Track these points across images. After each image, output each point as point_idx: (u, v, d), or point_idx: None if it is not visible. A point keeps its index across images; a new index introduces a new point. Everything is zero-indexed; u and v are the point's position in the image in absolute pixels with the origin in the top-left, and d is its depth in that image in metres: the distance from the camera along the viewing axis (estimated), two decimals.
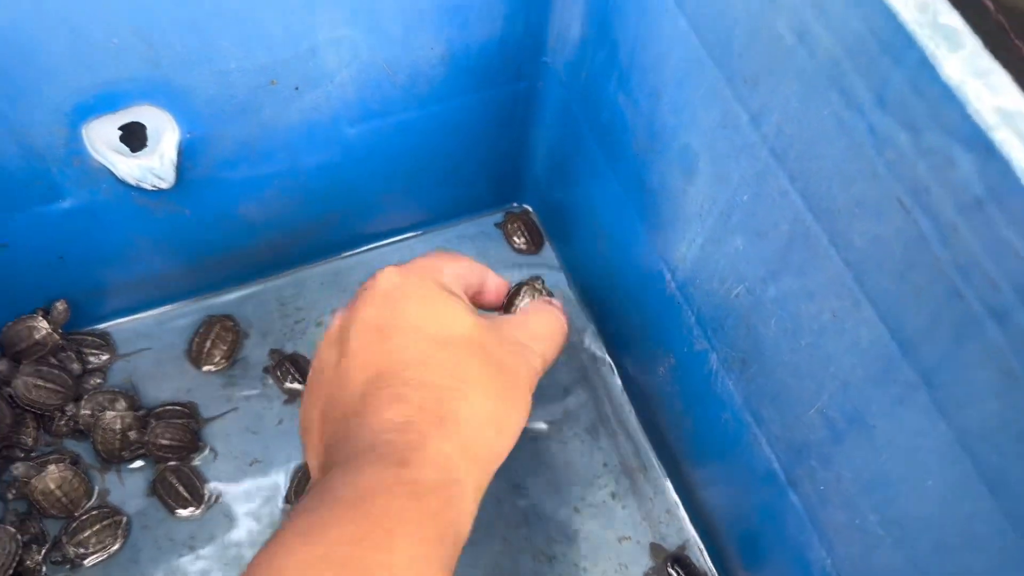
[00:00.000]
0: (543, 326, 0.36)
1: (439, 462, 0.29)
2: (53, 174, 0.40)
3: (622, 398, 0.52)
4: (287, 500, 0.48)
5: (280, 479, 0.48)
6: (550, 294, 0.40)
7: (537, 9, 0.42)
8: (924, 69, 0.22)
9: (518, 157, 0.53)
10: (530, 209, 0.58)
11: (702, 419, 0.42)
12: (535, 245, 0.57)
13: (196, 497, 0.47)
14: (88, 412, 0.47)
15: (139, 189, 0.41)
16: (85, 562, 0.45)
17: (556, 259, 0.57)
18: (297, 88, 0.40)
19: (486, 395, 0.31)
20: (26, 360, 0.48)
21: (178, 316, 0.52)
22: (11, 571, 0.43)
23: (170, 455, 0.47)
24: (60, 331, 0.48)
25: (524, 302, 0.39)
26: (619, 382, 0.53)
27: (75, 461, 0.47)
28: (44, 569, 0.45)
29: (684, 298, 0.40)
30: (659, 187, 0.39)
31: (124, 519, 0.46)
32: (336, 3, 0.37)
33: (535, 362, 0.35)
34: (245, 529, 0.47)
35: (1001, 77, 0.22)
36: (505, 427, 0.32)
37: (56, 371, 0.48)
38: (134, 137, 0.39)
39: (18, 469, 0.45)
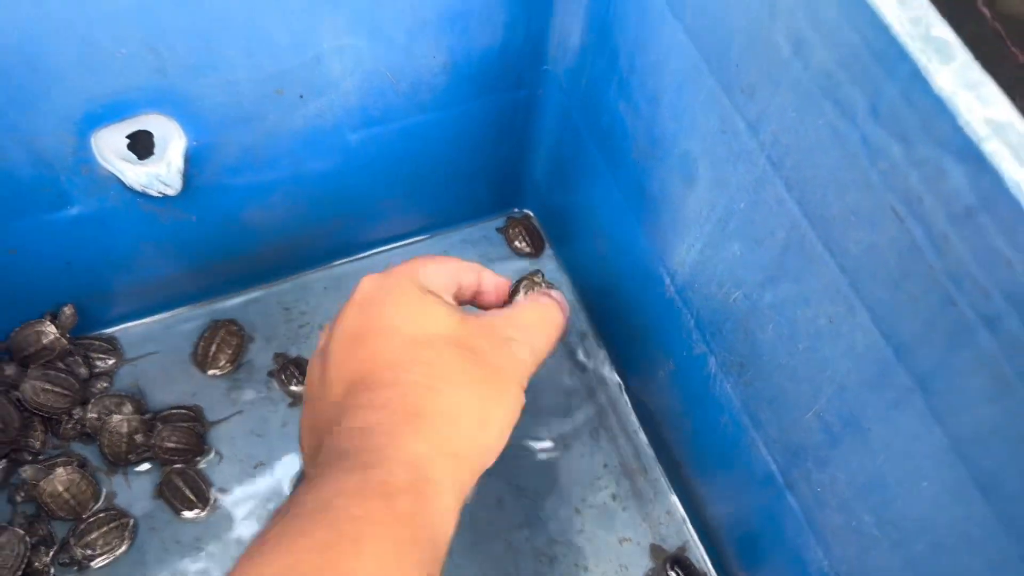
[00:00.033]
0: (532, 317, 0.35)
1: (410, 461, 0.28)
2: (62, 182, 0.40)
3: (622, 401, 0.53)
4: None
5: (284, 481, 0.49)
6: (551, 286, 0.39)
7: (538, 17, 0.42)
8: (916, 81, 0.23)
9: (519, 162, 0.54)
10: (531, 214, 0.59)
11: (701, 422, 0.43)
12: (536, 249, 0.57)
13: (202, 499, 0.47)
14: (95, 415, 0.48)
15: (146, 196, 0.42)
16: (92, 564, 0.46)
17: (557, 263, 0.57)
18: (302, 96, 0.41)
19: (463, 389, 0.30)
20: (34, 364, 0.48)
21: (184, 320, 0.53)
22: (20, 572, 0.44)
23: (176, 458, 0.48)
24: (68, 336, 0.49)
25: (521, 297, 0.39)
26: (619, 385, 0.53)
27: (82, 464, 0.48)
28: (52, 570, 0.45)
29: (683, 302, 0.41)
30: (658, 192, 0.40)
31: (131, 521, 0.47)
32: (340, 12, 0.38)
33: (522, 354, 0.33)
34: (250, 531, 0.47)
35: (991, 89, 0.22)
36: (489, 420, 0.31)
37: (63, 375, 0.48)
38: (141, 145, 0.40)
39: (26, 472, 0.46)
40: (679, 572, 0.47)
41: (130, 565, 0.46)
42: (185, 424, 0.49)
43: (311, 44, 0.38)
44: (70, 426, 0.48)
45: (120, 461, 0.48)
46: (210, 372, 0.51)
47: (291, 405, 0.51)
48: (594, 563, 0.48)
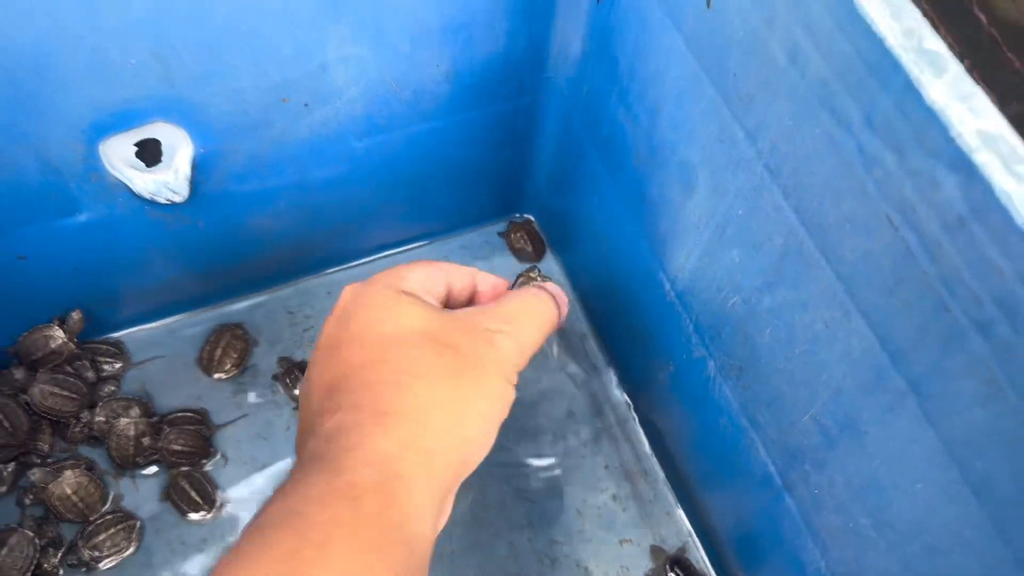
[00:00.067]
0: (517, 309, 0.34)
1: (377, 460, 0.27)
2: (71, 189, 0.41)
3: (623, 403, 0.53)
4: None
5: None
6: (547, 279, 0.39)
7: (539, 27, 0.43)
8: (909, 92, 0.23)
9: (521, 169, 0.54)
10: (532, 219, 0.59)
11: (701, 424, 0.43)
12: (537, 254, 0.58)
13: (208, 501, 0.48)
14: (103, 419, 0.49)
15: (153, 203, 0.42)
16: (100, 565, 0.46)
17: (558, 266, 0.58)
18: (307, 105, 0.41)
19: (436, 383, 0.30)
20: (42, 368, 0.49)
21: (190, 325, 0.54)
22: (29, 573, 0.44)
23: (183, 461, 0.49)
24: (75, 340, 0.49)
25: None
26: (620, 388, 0.54)
27: (90, 467, 0.48)
28: (61, 572, 0.46)
29: (683, 307, 0.41)
30: (658, 199, 0.40)
31: (138, 523, 0.47)
32: (345, 22, 0.38)
33: (505, 345, 0.32)
34: None
35: (982, 101, 0.23)
36: (465, 413, 0.30)
37: (71, 379, 0.49)
38: (149, 152, 0.40)
39: (35, 475, 0.47)
40: (679, 573, 0.48)
41: (137, 566, 0.47)
42: (191, 427, 0.49)
43: (316, 54, 0.39)
44: (78, 429, 0.49)
45: (127, 464, 0.49)
46: (216, 376, 0.52)
47: (295, 408, 0.52)
48: (595, 564, 0.48)
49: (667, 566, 0.48)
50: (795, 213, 0.30)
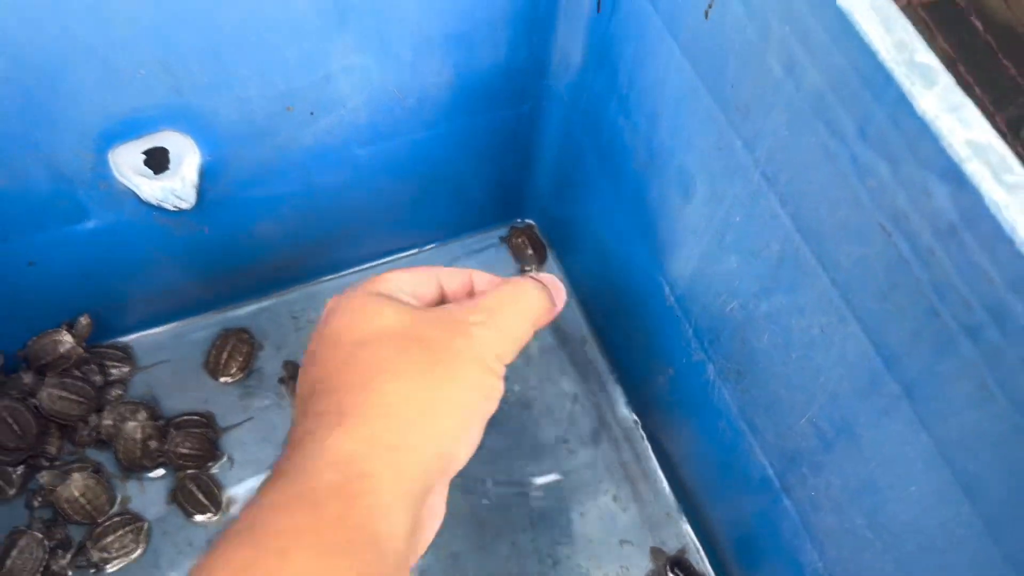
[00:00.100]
0: (498, 298, 0.33)
1: (339, 461, 0.27)
2: (80, 196, 0.41)
3: (623, 405, 0.54)
4: None
5: None
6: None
7: (540, 36, 0.43)
8: (901, 104, 0.24)
9: (522, 174, 0.55)
10: (534, 224, 0.60)
11: (700, 427, 0.44)
12: (539, 258, 0.59)
13: (214, 503, 0.49)
14: (110, 422, 0.49)
15: (161, 209, 0.43)
16: (108, 566, 0.47)
17: (559, 271, 0.58)
18: (312, 113, 0.42)
19: (404, 379, 0.29)
20: (51, 372, 0.49)
21: (196, 329, 0.54)
22: (39, 575, 0.45)
23: (189, 463, 0.49)
24: (83, 344, 0.50)
25: None
26: (620, 390, 0.54)
27: (98, 470, 0.49)
28: (70, 573, 0.47)
29: (682, 311, 0.42)
30: (657, 205, 0.41)
31: (145, 525, 0.48)
32: (349, 33, 0.39)
33: (485, 335, 0.31)
34: None
35: (972, 111, 0.23)
36: (435, 406, 0.29)
37: (79, 383, 0.49)
38: (157, 160, 0.41)
39: (44, 477, 0.47)
40: (679, 574, 0.48)
41: (144, 568, 0.47)
42: (198, 430, 0.50)
43: (321, 63, 0.40)
44: (86, 433, 0.50)
45: (134, 467, 0.49)
46: (222, 379, 0.53)
47: None
48: (595, 564, 0.49)
49: (667, 567, 0.49)
50: (791, 220, 0.30)
